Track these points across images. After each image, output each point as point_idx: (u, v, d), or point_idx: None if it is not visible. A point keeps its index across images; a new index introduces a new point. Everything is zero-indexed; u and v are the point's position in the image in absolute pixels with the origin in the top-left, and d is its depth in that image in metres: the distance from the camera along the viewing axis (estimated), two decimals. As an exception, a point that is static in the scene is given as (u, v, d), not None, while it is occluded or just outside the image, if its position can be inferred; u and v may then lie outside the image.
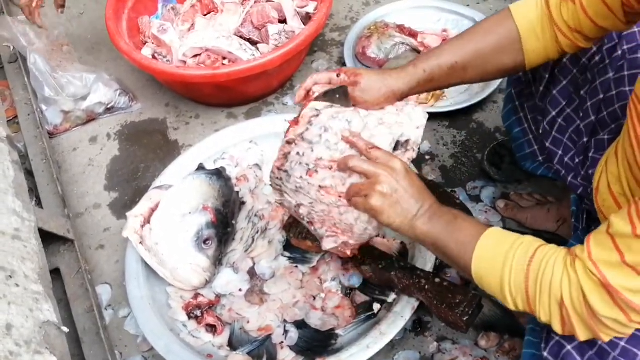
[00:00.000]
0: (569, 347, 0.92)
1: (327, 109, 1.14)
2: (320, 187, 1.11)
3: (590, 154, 1.14)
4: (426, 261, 1.35)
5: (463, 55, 1.10)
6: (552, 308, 0.83)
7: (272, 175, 1.18)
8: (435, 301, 1.24)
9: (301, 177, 1.11)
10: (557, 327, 0.85)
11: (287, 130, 1.17)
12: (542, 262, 0.84)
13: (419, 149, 1.18)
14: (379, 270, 1.32)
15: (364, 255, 1.35)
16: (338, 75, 1.17)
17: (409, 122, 1.16)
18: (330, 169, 1.10)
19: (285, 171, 1.14)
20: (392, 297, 1.35)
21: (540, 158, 1.41)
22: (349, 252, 1.20)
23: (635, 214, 0.74)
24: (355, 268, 1.41)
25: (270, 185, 1.21)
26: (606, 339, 0.82)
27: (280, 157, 1.16)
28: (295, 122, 1.16)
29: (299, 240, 1.43)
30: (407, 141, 1.15)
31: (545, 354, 0.96)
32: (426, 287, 1.26)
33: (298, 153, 1.13)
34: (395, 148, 1.14)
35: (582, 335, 0.83)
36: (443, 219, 1.00)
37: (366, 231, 1.14)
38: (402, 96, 1.15)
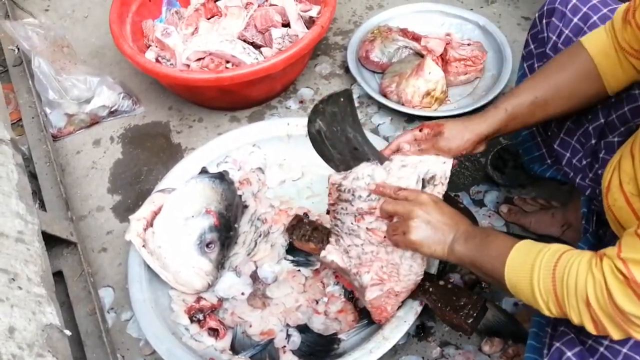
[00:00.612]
0: (569, 354, 0.92)
1: (348, 177, 1.23)
2: (367, 229, 1.21)
3: (601, 155, 1.14)
4: (430, 265, 1.35)
5: (541, 90, 1.13)
6: (580, 309, 0.84)
7: (331, 223, 1.30)
8: (440, 304, 1.24)
9: (352, 222, 1.22)
10: (590, 328, 0.85)
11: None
12: (567, 265, 0.86)
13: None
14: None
15: None
16: (421, 131, 1.22)
17: (435, 159, 1.21)
18: (372, 214, 1.20)
19: (339, 219, 1.26)
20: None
21: (549, 161, 1.40)
22: (389, 309, 1.27)
23: None
24: None
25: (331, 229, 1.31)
26: (638, 336, 0.83)
27: (331, 210, 1.29)
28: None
29: (301, 242, 1.44)
30: (433, 177, 1.20)
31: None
32: (430, 289, 1.26)
33: (342, 208, 1.24)
34: (423, 186, 1.20)
35: (615, 334, 0.83)
36: (477, 239, 1.05)
37: (411, 269, 1.21)
38: (487, 138, 1.19)
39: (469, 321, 1.20)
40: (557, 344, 0.95)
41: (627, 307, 0.79)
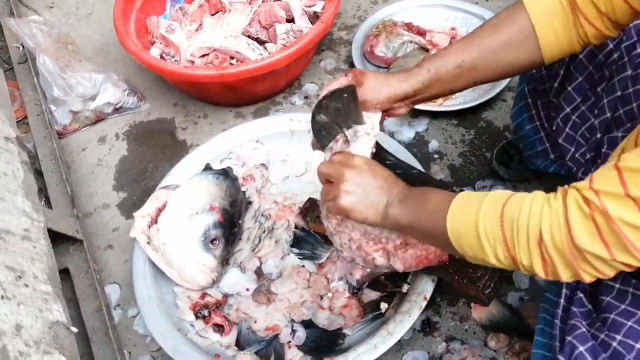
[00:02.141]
0: (581, 349, 0.90)
1: None
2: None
3: (603, 150, 1.12)
4: None
5: (470, 53, 1.06)
6: (530, 248, 0.79)
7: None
8: (457, 276, 1.24)
9: (328, 222, 1.23)
10: (538, 269, 0.81)
11: None
12: (517, 203, 0.81)
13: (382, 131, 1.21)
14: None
15: None
16: (346, 75, 1.16)
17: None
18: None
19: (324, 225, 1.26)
20: (405, 287, 1.34)
21: (552, 156, 1.39)
22: (426, 253, 1.18)
23: None
24: None
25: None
26: (587, 278, 0.79)
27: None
28: None
29: (315, 224, 1.45)
30: (355, 131, 1.15)
31: (559, 356, 0.94)
32: (447, 263, 1.25)
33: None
34: (346, 142, 1.17)
35: (565, 275, 0.80)
36: (412, 198, 1.00)
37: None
38: (407, 98, 1.13)
39: (487, 291, 1.20)
40: (569, 338, 0.93)
41: (585, 242, 0.75)
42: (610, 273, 0.78)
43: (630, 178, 0.72)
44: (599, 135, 1.14)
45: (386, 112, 1.17)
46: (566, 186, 0.80)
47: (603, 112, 1.13)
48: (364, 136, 1.14)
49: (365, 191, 1.03)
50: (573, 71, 1.20)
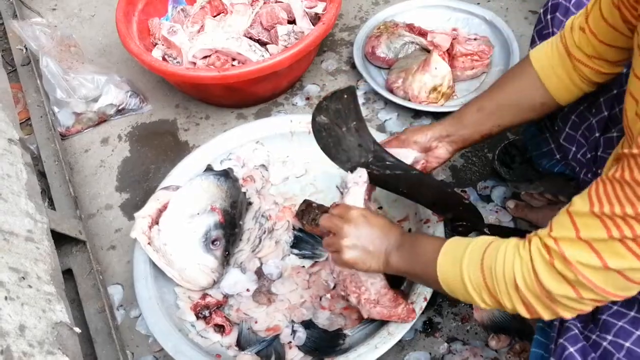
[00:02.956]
0: (571, 349, 0.92)
1: None
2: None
3: (599, 153, 1.14)
4: None
5: (489, 101, 1.21)
6: (511, 294, 0.86)
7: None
8: None
9: None
10: (522, 312, 0.87)
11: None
12: (493, 252, 0.88)
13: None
14: None
15: None
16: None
17: None
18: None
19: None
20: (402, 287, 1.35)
21: (558, 155, 1.40)
22: (393, 311, 1.25)
23: (594, 193, 0.77)
24: None
25: None
26: (568, 315, 0.84)
27: None
28: None
29: (312, 226, 1.48)
30: (344, 183, 1.24)
31: (552, 358, 0.96)
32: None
33: None
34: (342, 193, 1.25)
35: (546, 315, 0.85)
36: (406, 247, 1.08)
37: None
38: (441, 138, 1.27)
39: None
40: (561, 340, 0.95)
41: (550, 285, 0.81)
42: (586, 308, 0.84)
43: (579, 221, 0.79)
44: (597, 134, 1.15)
45: (427, 157, 1.29)
46: (532, 233, 0.87)
47: (600, 110, 1.14)
48: (354, 186, 1.21)
49: (365, 244, 1.10)
50: None
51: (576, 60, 1.06)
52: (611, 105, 1.12)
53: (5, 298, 1.10)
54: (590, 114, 1.17)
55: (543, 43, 1.15)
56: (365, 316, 1.25)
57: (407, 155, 1.27)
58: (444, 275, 0.97)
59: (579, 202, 0.80)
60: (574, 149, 1.23)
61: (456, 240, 0.99)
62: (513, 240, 0.88)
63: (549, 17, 1.26)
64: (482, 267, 0.89)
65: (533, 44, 1.34)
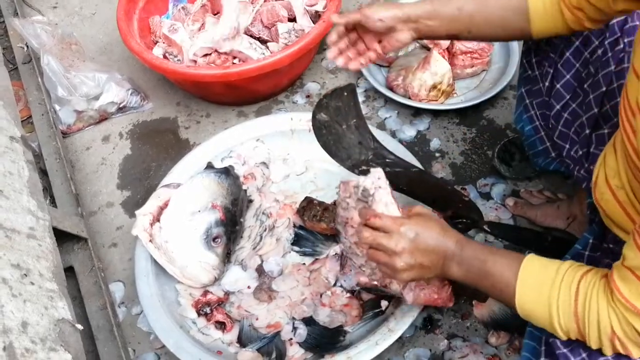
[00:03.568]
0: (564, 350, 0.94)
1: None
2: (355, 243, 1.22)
3: (592, 149, 1.15)
4: None
5: (470, 3, 1.14)
6: (602, 340, 0.85)
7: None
8: None
9: (344, 238, 1.24)
10: (608, 352, 0.87)
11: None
12: (587, 300, 0.86)
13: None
14: None
15: None
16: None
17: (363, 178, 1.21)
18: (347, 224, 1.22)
19: (342, 236, 1.26)
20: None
21: (553, 154, 1.41)
22: (436, 296, 1.22)
23: None
24: None
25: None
26: None
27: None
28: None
29: (313, 223, 1.48)
30: (365, 190, 1.16)
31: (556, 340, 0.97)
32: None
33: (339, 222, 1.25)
34: (366, 201, 1.18)
35: (637, 354, 0.85)
36: (470, 261, 1.02)
37: None
38: (409, 21, 1.16)
39: None
40: (552, 339, 0.96)
41: None
42: None
43: None
44: (588, 131, 1.16)
45: (388, 38, 1.18)
46: (609, 283, 0.85)
47: (590, 107, 1.15)
48: (378, 191, 1.15)
49: (421, 261, 1.04)
50: (561, 69, 1.23)
51: (563, 3, 1.06)
52: (601, 102, 1.13)
53: (8, 295, 1.10)
54: (582, 111, 1.18)
55: None
56: (410, 302, 1.21)
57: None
58: (526, 308, 0.94)
59: (631, 256, 0.80)
60: (567, 146, 1.23)
61: (534, 268, 0.94)
62: (601, 286, 0.86)
63: None
64: (576, 317, 0.87)
65: (525, 43, 1.35)
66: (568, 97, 1.22)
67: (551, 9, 1.08)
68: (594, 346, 0.87)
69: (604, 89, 1.13)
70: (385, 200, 1.13)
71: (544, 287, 0.90)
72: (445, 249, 1.03)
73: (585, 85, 1.17)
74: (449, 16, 1.15)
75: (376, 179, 1.15)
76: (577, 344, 0.92)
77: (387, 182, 1.15)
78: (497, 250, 1.01)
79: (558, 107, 1.23)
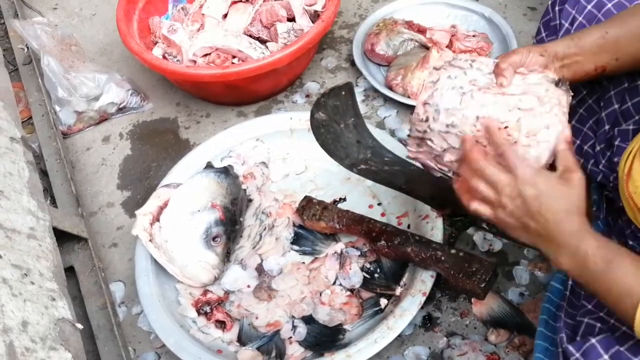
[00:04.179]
0: (593, 341, 0.88)
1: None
2: (477, 117, 0.94)
3: (616, 142, 1.10)
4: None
5: (612, 28, 1.04)
6: None
7: (416, 117, 0.99)
8: (452, 271, 1.26)
9: (454, 107, 0.95)
10: None
11: (427, 59, 1.04)
12: None
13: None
14: (395, 246, 1.34)
15: (379, 233, 1.38)
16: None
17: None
18: (488, 89, 0.94)
19: (435, 105, 0.97)
20: (398, 290, 1.36)
21: None
22: None
23: None
24: (371, 245, 1.43)
25: (409, 135, 1.03)
26: None
27: (427, 86, 0.98)
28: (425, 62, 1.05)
29: (312, 222, 1.48)
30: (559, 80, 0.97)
31: (568, 346, 0.92)
32: (442, 258, 1.28)
33: (449, 76, 0.97)
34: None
35: None
36: (597, 264, 0.86)
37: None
38: (557, 58, 1.05)
39: (482, 285, 1.23)
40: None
41: None
42: None
43: None
44: (607, 127, 1.14)
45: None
46: None
47: (611, 103, 1.12)
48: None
49: (525, 221, 0.91)
50: None
51: None
52: (622, 99, 1.10)
53: (8, 294, 1.11)
54: (599, 107, 1.16)
55: None
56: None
57: None
58: None
59: None
60: (578, 141, 1.21)
61: None
62: None
63: (557, 8, 1.24)
64: None
65: (538, 34, 1.31)
66: (585, 92, 1.20)
67: None
68: None
69: (626, 84, 1.09)
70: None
71: None
72: (559, 232, 0.89)
73: (605, 81, 1.14)
74: (595, 47, 1.05)
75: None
76: (591, 347, 0.87)
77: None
78: (625, 251, 0.86)
79: (574, 102, 1.21)
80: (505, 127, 0.93)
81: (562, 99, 0.96)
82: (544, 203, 0.89)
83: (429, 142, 0.98)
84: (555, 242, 0.90)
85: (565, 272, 0.92)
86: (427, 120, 0.97)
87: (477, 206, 0.95)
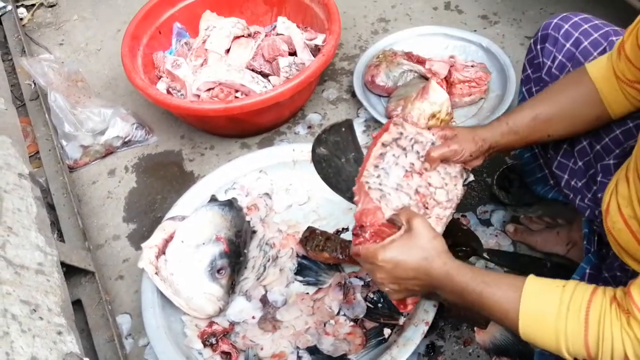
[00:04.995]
0: None
1: (410, 127, 1.24)
2: (417, 191, 1.17)
3: (599, 178, 1.15)
4: None
5: (543, 108, 1.15)
6: None
7: (368, 173, 1.19)
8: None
9: (400, 177, 1.17)
10: None
11: (377, 136, 1.23)
12: (600, 331, 0.84)
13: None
14: None
15: None
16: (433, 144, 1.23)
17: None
18: (421, 176, 1.18)
19: (383, 169, 1.18)
20: (402, 319, 1.37)
21: (551, 182, 1.42)
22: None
23: None
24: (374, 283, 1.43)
25: (366, 183, 1.20)
26: None
27: (376, 156, 1.19)
28: (384, 130, 1.23)
29: (315, 252, 1.49)
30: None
31: None
32: None
33: (394, 155, 1.18)
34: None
35: None
36: (467, 298, 1.00)
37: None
38: (489, 149, 1.20)
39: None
40: None
41: None
42: None
43: None
44: (580, 163, 1.18)
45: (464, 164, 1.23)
46: (622, 304, 0.84)
47: (579, 142, 1.17)
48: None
49: (405, 285, 1.06)
50: None
51: (621, 81, 1.07)
52: (599, 136, 1.15)
53: (18, 331, 1.13)
54: (582, 141, 1.20)
55: (598, 58, 1.14)
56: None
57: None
58: (531, 338, 0.91)
59: None
60: (566, 176, 1.25)
61: (538, 294, 0.91)
62: (612, 310, 0.84)
63: (539, 47, 1.30)
64: (586, 347, 0.85)
65: (524, 72, 1.38)
66: None
67: (619, 90, 1.08)
68: None
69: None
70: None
71: (549, 318, 0.88)
72: (431, 278, 1.03)
73: None
74: (527, 129, 1.17)
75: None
76: None
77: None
78: (492, 280, 0.97)
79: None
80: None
81: (459, 195, 1.19)
82: (401, 266, 1.03)
83: (384, 193, 1.16)
84: (434, 286, 1.03)
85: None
86: (379, 177, 1.17)
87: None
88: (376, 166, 1.17)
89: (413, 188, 1.16)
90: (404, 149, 1.18)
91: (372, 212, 1.10)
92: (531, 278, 0.93)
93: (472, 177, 1.22)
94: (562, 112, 1.14)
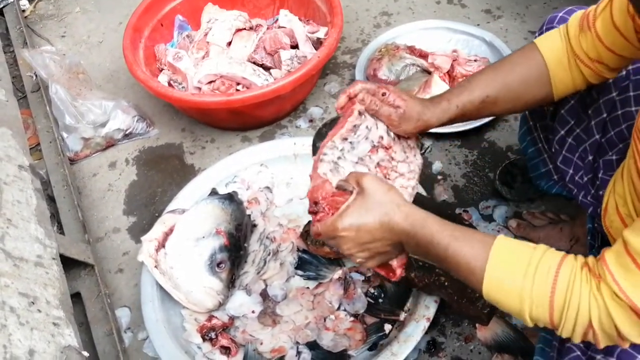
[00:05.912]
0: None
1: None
2: (378, 164, 1.13)
3: (600, 175, 1.14)
4: None
5: (493, 89, 1.11)
6: (577, 330, 0.81)
7: (332, 144, 1.11)
8: (456, 297, 1.26)
9: (366, 151, 1.12)
10: (577, 340, 0.83)
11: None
12: (567, 292, 0.80)
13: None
14: None
15: None
16: (384, 94, 1.12)
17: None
18: (387, 150, 1.15)
19: (351, 142, 1.12)
20: (402, 315, 1.37)
21: (555, 177, 1.41)
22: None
23: None
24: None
25: (320, 157, 1.12)
26: (626, 345, 0.82)
27: (349, 128, 1.12)
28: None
29: (316, 247, 1.49)
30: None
31: None
32: (446, 283, 1.28)
33: (367, 127, 1.13)
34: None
35: (604, 344, 0.82)
36: (431, 251, 0.93)
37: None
38: (430, 127, 1.14)
39: (486, 311, 1.23)
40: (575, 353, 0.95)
41: (629, 332, 0.78)
42: None
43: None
44: (591, 157, 1.17)
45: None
46: (593, 269, 0.81)
47: (592, 134, 1.15)
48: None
49: (375, 249, 0.98)
50: None
51: (579, 60, 1.05)
52: (603, 128, 1.14)
53: (16, 323, 1.12)
54: (586, 136, 1.19)
55: (549, 32, 1.10)
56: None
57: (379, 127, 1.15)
58: (492, 296, 0.87)
59: (637, 241, 0.75)
60: (571, 171, 1.24)
61: (508, 252, 0.86)
62: (583, 275, 0.81)
63: (545, 28, 1.28)
64: (551, 309, 0.82)
65: None
66: (572, 122, 1.23)
67: (569, 69, 1.07)
68: (565, 335, 0.83)
69: (605, 115, 1.13)
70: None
71: (517, 276, 0.84)
72: (396, 234, 0.95)
73: (590, 111, 1.18)
74: (475, 110, 1.12)
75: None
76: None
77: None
78: (461, 235, 0.91)
79: (562, 132, 1.23)
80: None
81: (420, 165, 1.18)
82: (363, 229, 0.94)
83: (338, 167, 1.10)
84: (401, 242, 0.95)
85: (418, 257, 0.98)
86: (342, 150, 1.11)
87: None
88: (345, 139, 1.12)
89: (375, 162, 1.13)
90: (368, 128, 1.13)
91: (321, 187, 1.02)
92: (502, 237, 0.88)
93: (427, 144, 1.17)
94: (511, 94, 1.11)
